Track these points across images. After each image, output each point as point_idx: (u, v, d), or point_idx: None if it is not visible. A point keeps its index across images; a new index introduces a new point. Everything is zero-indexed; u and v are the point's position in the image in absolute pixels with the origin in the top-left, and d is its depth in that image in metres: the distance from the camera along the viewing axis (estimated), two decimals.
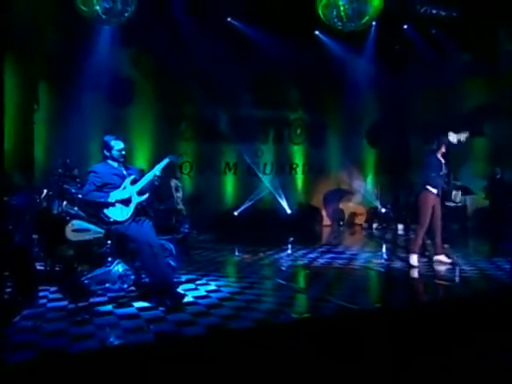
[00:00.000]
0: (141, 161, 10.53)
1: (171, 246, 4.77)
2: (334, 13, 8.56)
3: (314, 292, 4.83)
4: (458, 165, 11.99)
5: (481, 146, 12.33)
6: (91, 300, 4.17)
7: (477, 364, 3.14)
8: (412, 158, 12.93)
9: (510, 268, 5.83)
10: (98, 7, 6.31)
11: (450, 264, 6.21)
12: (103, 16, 6.47)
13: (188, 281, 5.23)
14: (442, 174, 6.22)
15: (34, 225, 4.11)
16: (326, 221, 13.15)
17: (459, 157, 12.31)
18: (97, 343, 3.32)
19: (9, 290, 3.93)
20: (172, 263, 4.72)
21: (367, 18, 8.59)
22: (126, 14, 6.67)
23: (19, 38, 8.10)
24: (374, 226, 12.26)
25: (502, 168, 10.60)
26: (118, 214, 4.10)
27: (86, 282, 4.05)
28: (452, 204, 10.49)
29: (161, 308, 4.06)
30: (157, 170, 4.26)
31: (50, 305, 4.21)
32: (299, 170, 13.21)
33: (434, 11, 11.08)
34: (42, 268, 4.65)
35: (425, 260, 6.50)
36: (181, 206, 9.75)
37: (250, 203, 11.89)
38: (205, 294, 4.67)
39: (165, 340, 3.44)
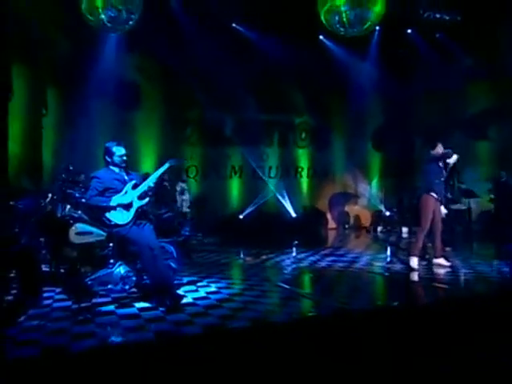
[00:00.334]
0: (148, 165, 10.68)
1: (172, 248, 4.89)
2: (337, 18, 8.66)
3: (311, 293, 4.92)
4: (462, 168, 12.04)
5: (485, 149, 12.36)
6: (94, 300, 4.32)
7: (477, 364, 3.17)
8: (416, 161, 12.95)
9: (508, 270, 5.90)
10: (103, 16, 6.50)
11: (448, 267, 6.27)
12: (109, 24, 6.66)
13: (189, 282, 5.36)
14: (442, 179, 6.31)
15: (39, 228, 4.27)
16: (332, 224, 13.22)
17: (464, 160, 12.37)
18: (98, 342, 3.45)
19: (14, 290, 4.08)
20: (173, 265, 4.85)
21: (369, 23, 8.68)
22: (131, 22, 6.85)
23: (28, 45, 8.31)
24: (379, 229, 12.31)
25: (507, 171, 10.60)
26: (120, 217, 4.25)
27: (89, 282, 4.20)
28: (456, 206, 10.59)
29: (161, 308, 4.19)
30: (156, 175, 4.41)
31: (55, 305, 4.38)
32: (304, 173, 13.31)
33: (438, 15, 11.13)
34: (48, 269, 4.82)
35: (424, 263, 6.56)
36: (186, 210, 9.92)
37: (255, 206, 12.00)
38: (204, 295, 4.80)
39: (163, 338, 3.56)
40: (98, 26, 6.91)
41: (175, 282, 4.97)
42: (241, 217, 11.85)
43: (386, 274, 6.06)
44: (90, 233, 4.18)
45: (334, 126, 13.39)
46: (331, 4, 8.55)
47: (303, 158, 13.31)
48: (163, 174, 4.47)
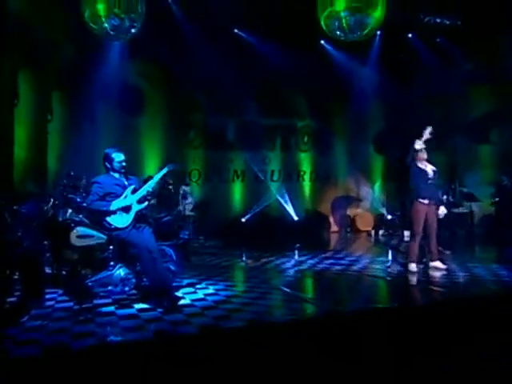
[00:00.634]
0: (151, 168, 10.83)
1: (171, 251, 5.02)
2: (336, 24, 8.75)
3: (307, 295, 5.02)
4: (464, 172, 12.10)
5: (487, 152, 12.41)
6: (95, 301, 4.46)
7: (476, 364, 3.22)
8: None
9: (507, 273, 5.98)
10: (106, 25, 6.65)
11: (445, 270, 6.34)
12: (111, 33, 6.81)
13: (188, 285, 5.48)
14: (430, 181, 6.34)
15: (41, 231, 4.41)
16: (334, 227, 13.30)
17: (466, 163, 12.44)
18: (98, 341, 3.58)
19: (17, 291, 4.22)
20: (172, 268, 4.98)
21: (369, 29, 8.77)
22: (133, 30, 7.00)
23: (34, 51, 8.49)
24: (380, 232, 12.38)
25: (509, 175, 10.63)
26: (119, 221, 4.39)
27: (89, 284, 4.33)
28: (458, 210, 10.64)
29: (159, 309, 4.32)
30: (154, 180, 4.54)
31: (57, 306, 4.52)
32: (306, 177, 13.40)
33: (438, 20, 11.22)
34: (50, 271, 4.96)
35: (422, 266, 6.62)
36: (189, 213, 10.05)
37: (257, 210, 12.10)
38: (202, 296, 4.92)
39: (160, 337, 3.69)
40: (101, 34, 7.06)
41: (174, 284, 5.11)
42: (243, 220, 11.96)
43: (388, 278, 6.11)
44: (91, 236, 4.31)
45: (336, 129, 13.46)
46: (331, 10, 8.66)
47: (305, 162, 13.40)
48: (162, 178, 4.60)
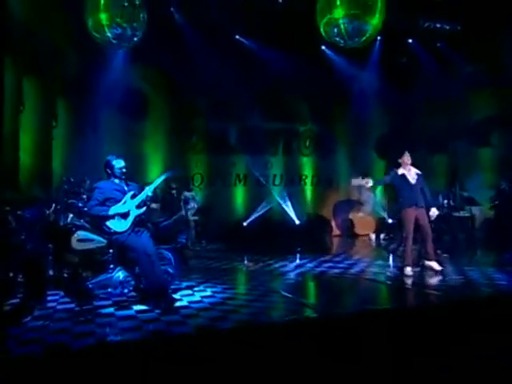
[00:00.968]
0: (155, 172, 10.99)
1: (170, 254, 5.17)
2: (335, 31, 8.89)
3: (302, 298, 5.15)
4: (465, 175, 12.17)
5: (488, 156, 12.46)
6: (95, 303, 4.61)
7: (476, 364, 3.29)
8: (420, 169, 13.07)
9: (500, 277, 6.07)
10: (109, 34, 6.84)
11: (439, 272, 6.43)
12: (114, 41, 7.00)
13: (187, 287, 5.62)
14: (413, 185, 6.48)
15: (44, 235, 4.58)
16: (336, 231, 13.39)
17: (467, 167, 12.50)
18: (97, 340, 3.73)
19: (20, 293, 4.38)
20: (170, 271, 5.14)
21: (367, 35, 8.90)
22: (135, 39, 7.18)
23: (39, 59, 8.69)
24: (381, 236, 12.45)
25: (509, 178, 10.69)
26: (118, 225, 4.56)
27: (90, 286, 4.49)
28: (459, 213, 10.70)
29: (156, 310, 4.47)
30: (153, 186, 4.72)
31: (59, 307, 4.69)
32: (308, 181, 13.52)
33: (438, 25, 11.33)
34: (52, 274, 5.13)
35: (418, 270, 6.71)
36: (191, 217, 10.21)
37: (259, 214, 12.22)
38: (199, 299, 5.06)
39: (156, 337, 3.84)
40: (104, 43, 7.26)
41: (173, 286, 5.27)
42: (245, 224, 12.08)
43: (388, 282, 6.18)
44: (91, 240, 4.46)
45: (338, 134, 13.60)
46: (330, 17, 8.79)
47: (307, 166, 13.53)
48: (164, 183, 4.76)
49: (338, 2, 8.43)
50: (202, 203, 11.38)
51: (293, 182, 13.32)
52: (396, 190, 6.60)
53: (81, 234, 4.40)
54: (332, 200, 13.59)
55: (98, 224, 4.58)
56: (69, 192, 5.10)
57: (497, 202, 10.59)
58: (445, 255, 8.27)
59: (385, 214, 12.89)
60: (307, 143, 13.50)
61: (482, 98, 12.28)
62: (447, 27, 11.34)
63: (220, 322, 4.18)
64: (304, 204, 13.28)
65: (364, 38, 8.91)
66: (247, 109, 11.86)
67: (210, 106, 11.56)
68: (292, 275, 6.70)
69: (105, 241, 4.55)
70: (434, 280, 6.10)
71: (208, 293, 5.35)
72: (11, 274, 4.15)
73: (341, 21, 8.67)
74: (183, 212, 9.31)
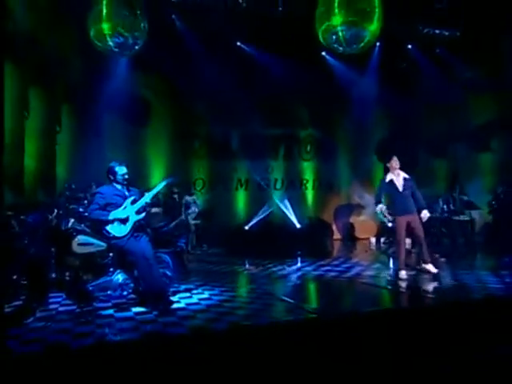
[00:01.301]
0: (157, 178, 11.14)
1: (168, 258, 5.32)
2: (334, 38, 9.02)
3: (298, 300, 5.27)
4: (465, 179, 12.23)
5: (488, 160, 12.52)
6: (95, 305, 4.76)
7: (476, 364, 3.38)
8: (420, 173, 13.16)
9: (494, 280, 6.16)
10: (110, 43, 7.01)
11: (434, 275, 6.53)
12: (116, 50, 7.17)
13: (186, 290, 5.76)
14: (401, 191, 6.63)
15: (46, 239, 4.74)
16: (337, 235, 13.48)
17: (467, 171, 12.56)
18: (96, 340, 3.88)
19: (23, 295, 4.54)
20: (169, 274, 5.28)
21: (365, 42, 9.01)
22: (136, 47, 7.35)
23: (44, 68, 8.89)
24: (382, 240, 12.52)
25: (505, 183, 10.76)
26: (118, 230, 4.71)
27: (90, 288, 4.64)
28: (459, 217, 10.76)
29: (154, 312, 4.61)
30: (153, 192, 4.87)
31: (60, 309, 4.85)
32: (309, 185, 13.62)
33: (437, 31, 11.43)
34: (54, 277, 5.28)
35: (413, 273, 6.81)
36: (192, 222, 10.36)
37: (260, 218, 12.31)
38: (196, 301, 5.20)
39: (154, 337, 3.98)
40: (105, 51, 7.43)
41: (172, 289, 5.41)
42: (246, 228, 12.18)
43: (388, 285, 6.27)
44: (91, 244, 4.62)
45: (338, 138, 13.69)
46: (328, 24, 8.93)
47: (308, 171, 13.62)
48: (166, 188, 4.91)
49: (337, 10, 8.53)
50: (203, 207, 11.52)
51: (294, 187, 13.41)
52: (386, 197, 6.75)
53: (81, 238, 4.56)
54: (333, 204, 13.68)
55: (98, 228, 4.73)
56: (70, 198, 5.27)
57: (495, 206, 10.66)
58: (442, 259, 8.35)
59: (385, 219, 12.94)
60: (308, 148, 13.60)
61: (482, 102, 12.32)
62: (446, 33, 11.43)
63: (216, 323, 4.31)
64: (305, 208, 13.37)
65: (362, 45, 9.01)
66: (248, 114, 11.96)
67: (212, 111, 11.69)
68: (293, 278, 6.81)
69: (104, 244, 4.70)
70: (426, 284, 6.18)
71: (205, 295, 5.49)
72: (15, 277, 4.31)
73: (339, 28, 8.78)
74: (183, 216, 9.46)
